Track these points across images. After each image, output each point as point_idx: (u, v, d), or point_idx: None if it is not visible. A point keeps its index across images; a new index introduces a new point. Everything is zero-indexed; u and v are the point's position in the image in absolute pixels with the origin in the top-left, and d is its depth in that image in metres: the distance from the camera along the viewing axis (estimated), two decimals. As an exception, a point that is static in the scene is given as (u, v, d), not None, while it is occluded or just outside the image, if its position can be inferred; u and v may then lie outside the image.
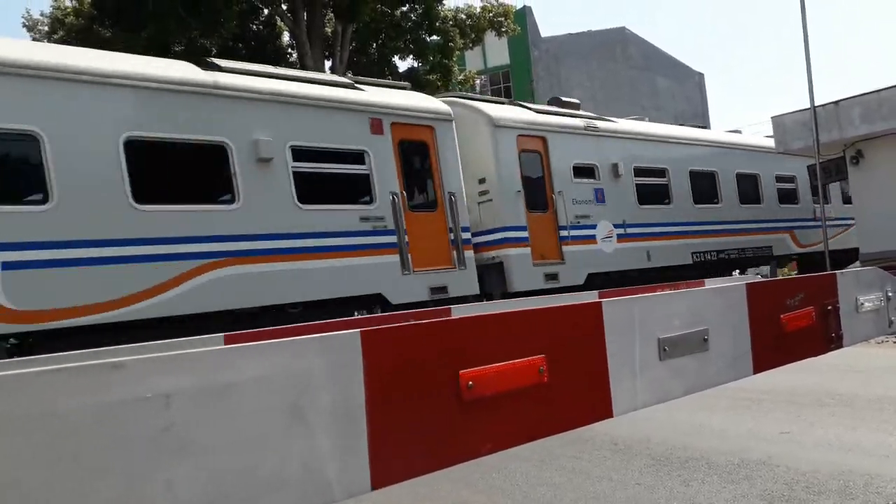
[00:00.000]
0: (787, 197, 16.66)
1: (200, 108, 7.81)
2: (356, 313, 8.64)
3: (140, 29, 18.06)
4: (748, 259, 15.41)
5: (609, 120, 13.37)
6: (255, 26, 22.43)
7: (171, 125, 7.60)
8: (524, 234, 10.62)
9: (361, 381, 1.37)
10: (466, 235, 9.93)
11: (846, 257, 15.87)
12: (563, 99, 13.93)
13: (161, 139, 7.56)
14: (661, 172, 13.44)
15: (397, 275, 9.01)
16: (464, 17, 23.14)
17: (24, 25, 27.29)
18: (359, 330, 1.41)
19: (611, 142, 12.47)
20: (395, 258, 9.01)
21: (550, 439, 1.90)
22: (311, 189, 8.46)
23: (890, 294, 3.07)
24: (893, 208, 13.48)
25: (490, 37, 24.81)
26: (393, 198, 9.09)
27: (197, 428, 1.16)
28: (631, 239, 12.30)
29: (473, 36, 23.31)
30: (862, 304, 2.88)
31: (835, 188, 16.96)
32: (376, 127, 9.13)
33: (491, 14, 23.29)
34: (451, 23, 22.58)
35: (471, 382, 1.55)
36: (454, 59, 23.43)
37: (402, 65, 24.01)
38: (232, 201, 7.96)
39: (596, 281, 11.29)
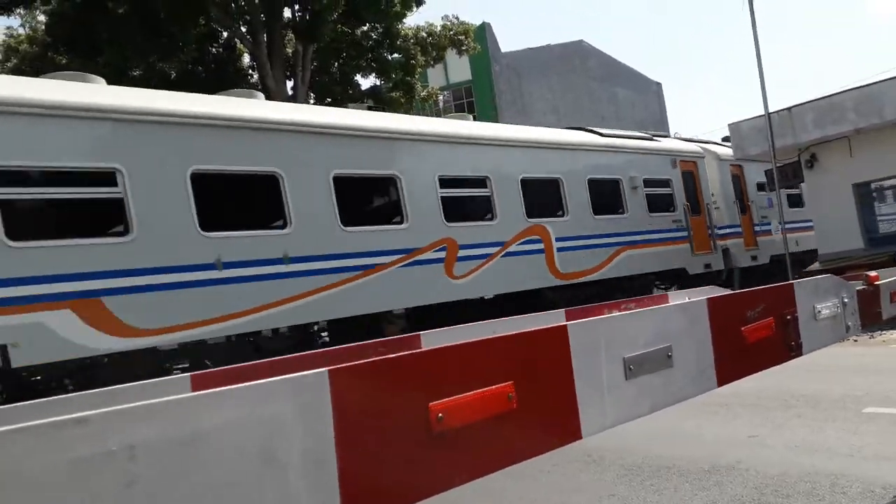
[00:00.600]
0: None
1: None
2: (655, 290, 13.48)
3: (96, 55, 17.80)
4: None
5: None
6: (214, 49, 22.24)
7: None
8: (739, 229, 16.09)
9: (331, 421, 1.37)
10: (718, 231, 15.32)
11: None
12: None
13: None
14: None
15: (690, 256, 14.10)
16: (425, 34, 23.29)
17: (-25, 53, 26.66)
18: (326, 369, 1.41)
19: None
20: (688, 246, 14.12)
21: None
22: (654, 204, 13.59)
23: (846, 300, 3.17)
24: (847, 209, 13.87)
25: (451, 53, 24.98)
26: (684, 207, 14.25)
27: (163, 480, 1.15)
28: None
29: (435, 54, 23.46)
30: (819, 311, 2.96)
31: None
32: (674, 164, 14.46)
33: (451, 32, 23.47)
34: (412, 41, 22.70)
35: (441, 414, 1.55)
36: (416, 76, 23.53)
37: (365, 83, 24.03)
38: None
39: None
